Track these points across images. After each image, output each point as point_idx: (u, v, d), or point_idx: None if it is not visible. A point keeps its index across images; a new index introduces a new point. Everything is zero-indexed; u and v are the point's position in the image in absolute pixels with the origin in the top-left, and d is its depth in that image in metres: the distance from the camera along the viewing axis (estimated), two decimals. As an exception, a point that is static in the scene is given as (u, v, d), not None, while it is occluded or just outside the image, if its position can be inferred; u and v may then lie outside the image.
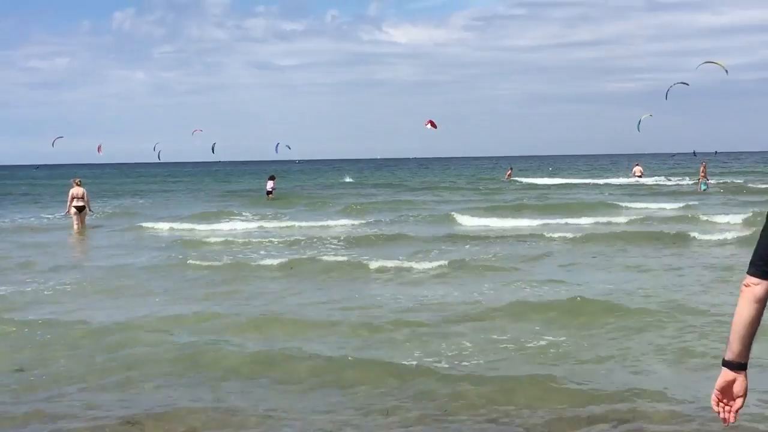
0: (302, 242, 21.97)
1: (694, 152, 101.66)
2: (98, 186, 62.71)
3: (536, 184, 58.26)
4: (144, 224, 28.26)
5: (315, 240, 22.39)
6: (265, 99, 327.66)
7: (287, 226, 27.57)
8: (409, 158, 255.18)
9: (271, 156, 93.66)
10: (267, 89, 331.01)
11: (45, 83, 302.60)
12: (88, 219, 27.73)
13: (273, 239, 22.81)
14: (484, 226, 26.30)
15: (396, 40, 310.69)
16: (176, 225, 28.04)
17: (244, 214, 32.88)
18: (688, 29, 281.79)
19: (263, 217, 30.70)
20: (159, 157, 69.44)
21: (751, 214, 24.76)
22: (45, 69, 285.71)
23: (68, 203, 27.06)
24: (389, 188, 57.67)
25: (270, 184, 42.79)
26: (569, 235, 21.69)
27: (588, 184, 57.58)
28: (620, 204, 34.19)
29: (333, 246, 21.29)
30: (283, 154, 75.05)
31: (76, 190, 26.96)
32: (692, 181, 50.06)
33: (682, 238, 20.52)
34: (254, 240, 22.84)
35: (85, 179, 32.14)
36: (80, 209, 26.96)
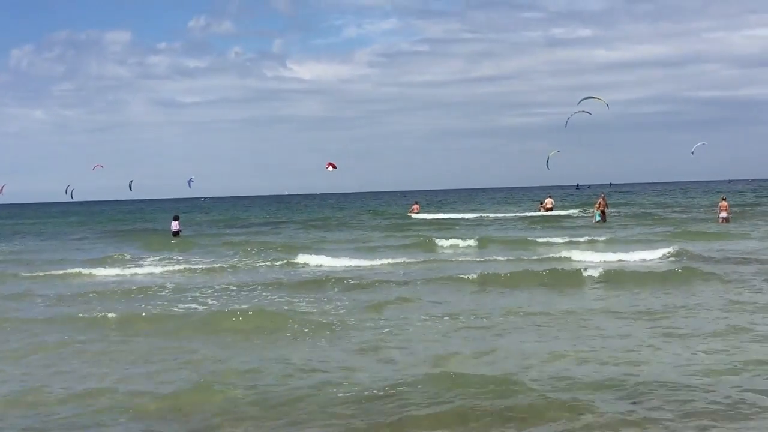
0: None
1: (581, 185, 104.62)
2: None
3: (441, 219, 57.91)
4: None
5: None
6: (169, 136, 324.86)
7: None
8: (315, 194, 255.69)
9: (177, 194, 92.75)
10: (171, 126, 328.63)
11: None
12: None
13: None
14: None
15: (301, 77, 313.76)
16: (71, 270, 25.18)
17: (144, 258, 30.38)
18: (585, 64, 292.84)
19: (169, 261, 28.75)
20: (72, 196, 67.90)
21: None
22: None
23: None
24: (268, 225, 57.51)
25: (175, 225, 42.22)
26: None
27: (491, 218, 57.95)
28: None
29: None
30: (189, 192, 74.57)
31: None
32: (587, 213, 51.47)
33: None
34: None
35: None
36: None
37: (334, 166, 50.14)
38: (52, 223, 73.99)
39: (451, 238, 33.64)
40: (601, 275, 19.67)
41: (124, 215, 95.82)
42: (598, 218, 43.64)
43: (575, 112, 42.29)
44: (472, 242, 31.92)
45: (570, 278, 19.47)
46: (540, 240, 31.95)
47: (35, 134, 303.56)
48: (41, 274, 24.23)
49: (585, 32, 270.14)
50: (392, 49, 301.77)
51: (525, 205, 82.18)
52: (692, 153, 54.27)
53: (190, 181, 68.77)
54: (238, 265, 25.49)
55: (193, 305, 17.01)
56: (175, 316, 15.65)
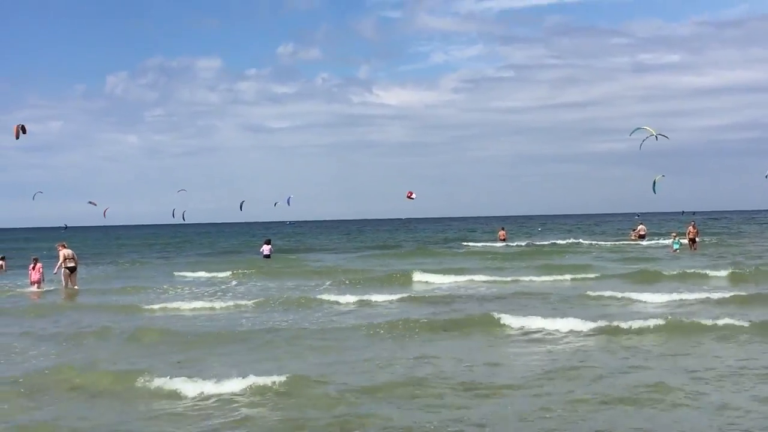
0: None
1: (686, 212, 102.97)
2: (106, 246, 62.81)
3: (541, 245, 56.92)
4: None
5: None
6: (257, 161, 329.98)
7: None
8: (400, 218, 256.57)
9: (264, 217, 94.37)
10: (259, 151, 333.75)
11: (38, 146, 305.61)
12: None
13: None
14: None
15: (386, 102, 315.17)
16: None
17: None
18: (673, 90, 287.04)
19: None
20: (183, 218, 70.15)
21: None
22: (38, 132, 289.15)
23: (59, 264, 27.22)
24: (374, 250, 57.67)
25: (267, 248, 43.05)
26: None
27: (582, 244, 57.05)
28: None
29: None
30: (275, 216, 76.20)
31: (66, 252, 27.18)
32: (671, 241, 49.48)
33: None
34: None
35: (87, 241, 32.16)
36: (72, 270, 27.19)
37: (412, 196, 50.33)
38: (157, 245, 76.12)
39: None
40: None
41: (225, 238, 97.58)
42: (676, 247, 41.88)
43: (649, 135, 41.05)
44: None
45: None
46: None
47: (129, 158, 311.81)
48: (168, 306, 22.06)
49: (673, 58, 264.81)
50: (477, 75, 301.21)
51: (609, 231, 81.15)
52: (766, 176, 52.59)
53: (289, 199, 70.08)
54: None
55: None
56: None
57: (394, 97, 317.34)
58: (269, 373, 11.56)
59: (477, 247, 56.64)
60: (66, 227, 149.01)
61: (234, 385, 11.06)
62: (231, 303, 21.52)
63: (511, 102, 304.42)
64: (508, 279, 27.49)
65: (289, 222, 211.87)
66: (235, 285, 28.29)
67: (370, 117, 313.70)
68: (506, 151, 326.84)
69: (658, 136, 38.40)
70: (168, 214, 70.52)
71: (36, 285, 27.21)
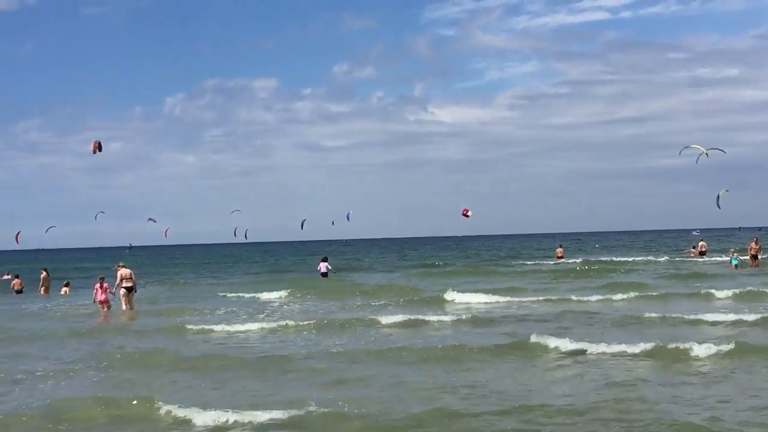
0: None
1: (742, 228, 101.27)
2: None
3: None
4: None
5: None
6: (313, 180, 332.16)
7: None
8: (456, 236, 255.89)
9: (319, 236, 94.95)
10: (316, 170, 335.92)
11: (99, 167, 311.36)
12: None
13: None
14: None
15: (442, 120, 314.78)
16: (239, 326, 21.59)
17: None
18: (732, 104, 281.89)
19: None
20: (246, 236, 71.27)
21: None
22: (99, 154, 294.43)
23: (117, 284, 27.51)
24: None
25: (324, 266, 42.94)
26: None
27: (635, 261, 56.27)
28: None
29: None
30: (331, 234, 76.70)
31: (124, 272, 27.45)
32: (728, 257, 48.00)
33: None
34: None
35: (143, 260, 32.46)
36: (129, 290, 27.46)
37: (468, 214, 50.24)
38: (212, 265, 76.98)
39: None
40: None
41: (282, 256, 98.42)
42: (735, 263, 40.80)
43: (708, 149, 40.24)
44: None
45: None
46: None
47: (187, 178, 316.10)
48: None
49: (732, 72, 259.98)
50: (532, 92, 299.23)
51: (665, 248, 79.94)
52: None
53: (349, 215, 70.65)
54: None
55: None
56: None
57: (449, 114, 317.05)
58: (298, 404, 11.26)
59: (531, 265, 56.16)
60: (131, 247, 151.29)
61: (249, 417, 10.69)
62: (275, 324, 21.20)
63: (567, 118, 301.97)
64: (561, 298, 26.94)
65: (345, 241, 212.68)
66: (285, 306, 28.23)
67: (425, 135, 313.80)
68: (562, 168, 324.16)
69: (713, 151, 37.85)
70: (226, 234, 71.65)
71: (104, 305, 27.41)
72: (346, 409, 11.07)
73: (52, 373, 14.85)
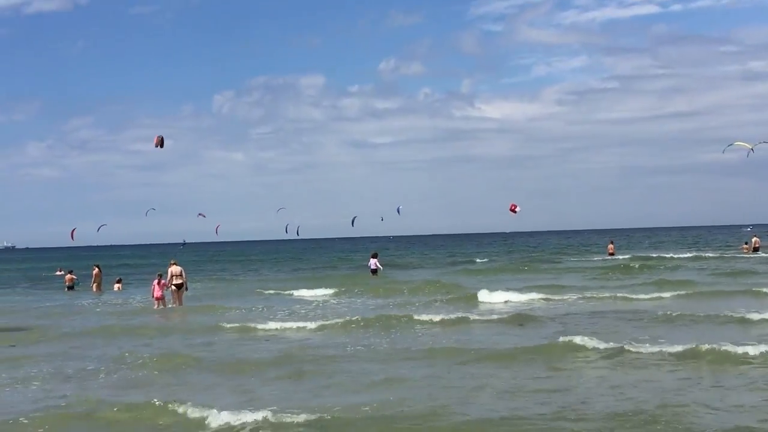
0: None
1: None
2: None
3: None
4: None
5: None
6: (361, 176, 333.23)
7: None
8: (504, 232, 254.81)
9: (366, 233, 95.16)
10: (363, 166, 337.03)
11: (149, 165, 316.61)
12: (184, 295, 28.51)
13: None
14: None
15: (489, 116, 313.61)
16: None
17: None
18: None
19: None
20: (297, 233, 71.83)
21: None
22: (148, 152, 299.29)
23: (168, 281, 27.93)
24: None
25: (374, 262, 43.12)
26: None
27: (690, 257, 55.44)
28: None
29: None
30: (379, 231, 77.01)
31: (174, 269, 27.89)
32: None
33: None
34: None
35: (197, 256, 32.66)
36: (179, 287, 27.87)
37: (516, 210, 50.02)
38: (258, 261, 77.59)
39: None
40: None
41: (329, 253, 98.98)
42: None
43: (754, 146, 39.31)
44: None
45: None
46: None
47: (236, 176, 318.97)
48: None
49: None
50: (581, 87, 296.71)
51: (716, 243, 78.83)
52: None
53: (399, 209, 70.82)
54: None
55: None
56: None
57: (496, 110, 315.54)
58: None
59: (580, 262, 55.81)
60: (184, 243, 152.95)
61: (252, 417, 10.58)
62: (317, 323, 20.97)
63: (616, 113, 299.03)
64: (608, 296, 26.55)
65: (391, 237, 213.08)
66: (329, 303, 28.29)
67: (472, 131, 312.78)
68: (612, 163, 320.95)
69: (762, 144, 37.22)
70: (273, 231, 72.33)
71: (160, 301, 27.82)
72: (377, 413, 10.88)
73: (99, 369, 15.07)
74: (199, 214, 67.21)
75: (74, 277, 41.31)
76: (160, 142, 32.68)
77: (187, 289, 28.64)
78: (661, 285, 30.24)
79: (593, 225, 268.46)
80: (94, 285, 39.05)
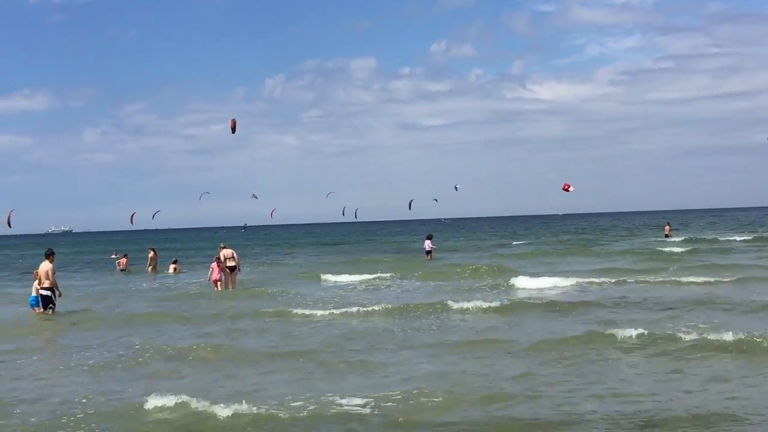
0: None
1: None
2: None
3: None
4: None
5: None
6: (412, 159, 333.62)
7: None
8: (557, 214, 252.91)
9: (417, 215, 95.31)
10: (414, 149, 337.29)
11: (201, 149, 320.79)
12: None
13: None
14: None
15: (540, 97, 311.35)
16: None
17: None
18: None
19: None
20: (355, 216, 72.67)
21: None
22: (201, 136, 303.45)
23: (221, 264, 28.16)
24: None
25: (428, 244, 43.33)
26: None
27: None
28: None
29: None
30: (430, 213, 77.22)
31: (227, 252, 28.06)
32: None
33: None
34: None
35: (246, 241, 32.64)
36: (232, 269, 28.05)
37: (569, 189, 49.63)
38: (309, 245, 77.89)
39: None
40: None
41: (381, 236, 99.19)
42: None
43: None
44: None
45: None
46: None
47: (287, 159, 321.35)
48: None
49: None
50: (634, 67, 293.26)
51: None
52: None
53: (456, 186, 70.66)
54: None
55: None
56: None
57: (548, 91, 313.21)
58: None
59: (634, 243, 55.18)
60: (246, 227, 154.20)
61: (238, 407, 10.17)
62: (366, 309, 20.54)
63: (670, 93, 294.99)
64: (662, 281, 25.94)
65: (444, 219, 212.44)
66: (379, 288, 28.19)
67: (524, 112, 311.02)
68: (666, 144, 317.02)
69: None
70: (324, 214, 72.95)
71: (217, 284, 27.98)
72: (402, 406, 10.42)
73: (146, 356, 14.87)
74: (252, 195, 67.82)
75: (127, 260, 41.95)
76: (234, 126, 32.87)
77: (240, 270, 28.85)
78: (715, 270, 29.59)
79: (646, 206, 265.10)
80: (150, 267, 39.65)
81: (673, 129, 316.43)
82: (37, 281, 21.32)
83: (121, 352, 15.18)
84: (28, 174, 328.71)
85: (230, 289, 27.70)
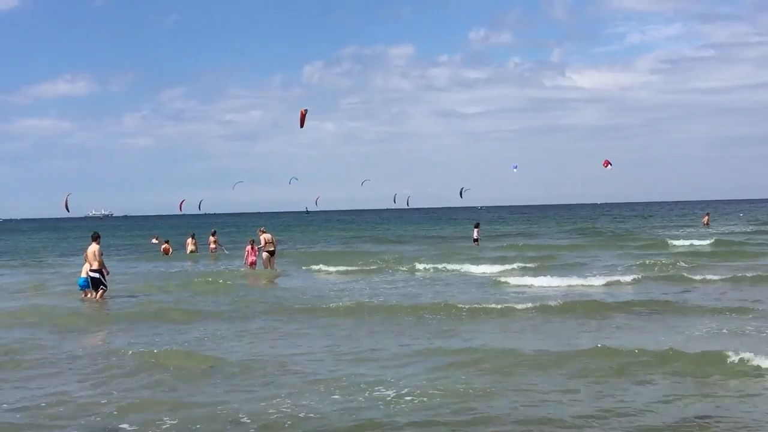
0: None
1: None
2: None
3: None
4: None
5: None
6: (450, 146, 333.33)
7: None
8: (597, 203, 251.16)
9: (456, 203, 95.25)
10: (452, 136, 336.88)
11: (240, 135, 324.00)
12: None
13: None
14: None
15: (579, 85, 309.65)
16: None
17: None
18: None
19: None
20: (408, 203, 73.88)
21: None
22: (240, 122, 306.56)
23: (261, 247, 29.07)
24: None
25: (476, 232, 45.17)
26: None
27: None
28: None
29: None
30: (466, 201, 78.00)
31: (266, 236, 29.00)
32: None
33: None
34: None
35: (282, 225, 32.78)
36: (272, 253, 29.01)
37: (608, 166, 50.47)
38: (342, 232, 78.38)
39: None
40: None
41: (429, 223, 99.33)
42: None
43: None
44: None
45: None
46: None
47: (326, 146, 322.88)
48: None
49: None
50: (675, 56, 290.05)
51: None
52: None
53: (515, 167, 70.97)
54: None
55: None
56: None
57: (587, 79, 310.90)
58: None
59: (673, 234, 54.59)
60: (308, 211, 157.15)
61: None
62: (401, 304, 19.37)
63: (711, 82, 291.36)
64: (696, 278, 23.72)
65: (480, 207, 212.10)
66: (417, 277, 28.11)
67: (562, 101, 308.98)
68: (707, 133, 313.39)
69: None
70: (366, 200, 73.69)
71: (253, 266, 29.35)
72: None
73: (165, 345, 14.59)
74: (293, 178, 69.09)
75: (169, 247, 42.14)
76: (303, 118, 33.15)
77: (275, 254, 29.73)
78: (752, 268, 26.95)
79: (685, 196, 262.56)
80: (190, 251, 40.51)
81: (714, 118, 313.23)
82: (87, 263, 21.87)
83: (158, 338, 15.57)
84: (69, 158, 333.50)
85: (269, 269, 28.88)
